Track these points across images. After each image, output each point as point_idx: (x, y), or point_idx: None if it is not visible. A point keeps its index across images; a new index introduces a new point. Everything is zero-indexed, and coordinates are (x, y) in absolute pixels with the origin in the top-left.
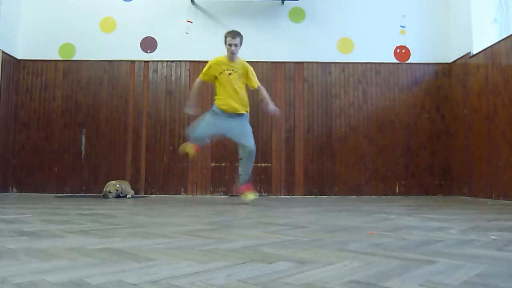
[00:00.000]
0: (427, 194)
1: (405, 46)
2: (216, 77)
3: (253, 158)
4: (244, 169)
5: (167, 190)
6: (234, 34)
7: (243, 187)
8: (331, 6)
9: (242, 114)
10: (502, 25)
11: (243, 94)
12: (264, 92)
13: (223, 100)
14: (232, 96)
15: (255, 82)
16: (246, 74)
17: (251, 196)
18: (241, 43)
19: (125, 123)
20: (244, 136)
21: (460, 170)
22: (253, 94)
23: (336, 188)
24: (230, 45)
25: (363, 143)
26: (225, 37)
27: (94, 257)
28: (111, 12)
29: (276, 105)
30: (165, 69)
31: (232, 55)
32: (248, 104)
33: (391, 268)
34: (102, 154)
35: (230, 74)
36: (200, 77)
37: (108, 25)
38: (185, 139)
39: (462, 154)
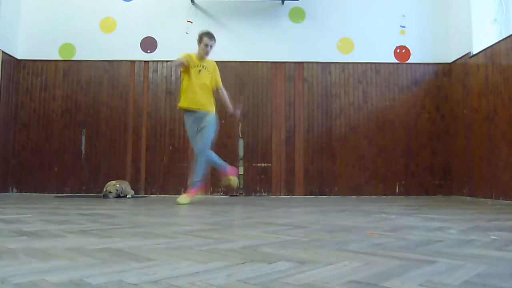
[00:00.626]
0: (427, 194)
1: (405, 46)
2: (187, 71)
3: (201, 161)
4: (194, 169)
5: (167, 190)
6: (211, 36)
7: (190, 189)
8: (331, 6)
9: (207, 112)
10: (502, 25)
11: (210, 94)
12: (225, 94)
13: (186, 97)
14: (197, 93)
15: (220, 82)
16: (214, 72)
17: (184, 200)
18: (213, 46)
19: (125, 123)
20: (200, 135)
21: (460, 170)
22: (253, 95)
23: (336, 188)
24: (206, 45)
25: (363, 143)
26: (201, 37)
27: (94, 257)
28: (111, 12)
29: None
30: (165, 69)
31: (205, 55)
32: (213, 105)
33: (391, 268)
34: (102, 154)
35: (200, 71)
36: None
37: (108, 25)
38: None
39: (462, 154)
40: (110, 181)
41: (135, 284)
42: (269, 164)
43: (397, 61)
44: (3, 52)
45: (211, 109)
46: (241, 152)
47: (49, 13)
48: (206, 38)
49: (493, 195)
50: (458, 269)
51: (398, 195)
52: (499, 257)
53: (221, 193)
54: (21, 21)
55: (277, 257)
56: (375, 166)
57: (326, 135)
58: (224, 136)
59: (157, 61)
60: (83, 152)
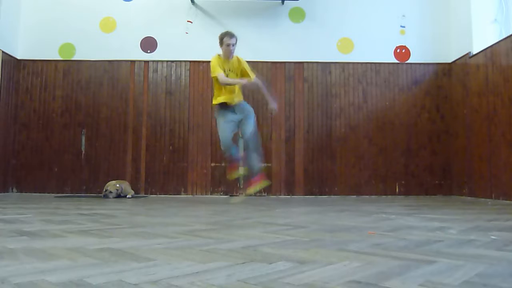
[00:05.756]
0: (427, 194)
1: (405, 46)
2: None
3: (254, 146)
4: (251, 160)
5: (167, 190)
6: (230, 34)
7: (254, 178)
8: (331, 6)
9: (240, 101)
10: (502, 25)
11: (239, 89)
12: (262, 88)
13: (223, 94)
14: (233, 90)
15: (252, 75)
16: (243, 69)
17: (253, 189)
18: (236, 42)
19: (125, 123)
20: (245, 122)
21: (460, 170)
22: (253, 95)
23: (336, 188)
24: (228, 45)
25: (363, 143)
26: (221, 38)
27: (94, 257)
28: (111, 12)
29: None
30: (165, 69)
31: (230, 54)
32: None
33: (391, 268)
34: (102, 154)
35: (227, 75)
36: (218, 72)
37: (108, 25)
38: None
39: (462, 154)
40: (110, 181)
41: (135, 284)
42: (269, 164)
43: (397, 61)
44: (3, 52)
45: (242, 98)
46: (241, 152)
47: (49, 13)
48: (226, 38)
49: (493, 195)
50: (458, 269)
51: (398, 195)
52: (499, 257)
53: (221, 193)
54: (21, 21)
55: (277, 257)
56: (375, 166)
57: (326, 135)
58: None
59: (157, 61)
60: (83, 152)
